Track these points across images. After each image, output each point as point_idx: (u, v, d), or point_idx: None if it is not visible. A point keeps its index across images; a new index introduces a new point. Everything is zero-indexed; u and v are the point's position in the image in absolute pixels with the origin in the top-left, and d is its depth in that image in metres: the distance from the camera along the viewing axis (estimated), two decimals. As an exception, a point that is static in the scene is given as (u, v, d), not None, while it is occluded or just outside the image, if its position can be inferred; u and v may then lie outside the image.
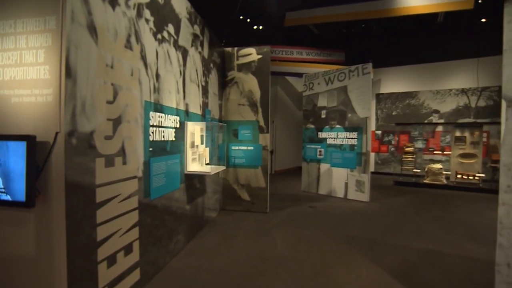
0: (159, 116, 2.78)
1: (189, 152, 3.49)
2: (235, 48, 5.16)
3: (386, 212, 5.31)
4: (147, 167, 2.58)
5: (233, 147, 5.21)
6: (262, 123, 5.10)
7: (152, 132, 2.66)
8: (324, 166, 6.88)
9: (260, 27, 9.30)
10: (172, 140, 3.08)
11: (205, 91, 4.17)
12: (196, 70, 3.81)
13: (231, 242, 3.69)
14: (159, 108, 2.79)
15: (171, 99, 3.05)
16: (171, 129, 3.05)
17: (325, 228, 4.33)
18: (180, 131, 3.28)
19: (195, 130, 3.57)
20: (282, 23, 8.39)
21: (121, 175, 2.20)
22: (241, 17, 8.61)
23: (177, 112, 3.20)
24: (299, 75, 9.78)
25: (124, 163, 2.23)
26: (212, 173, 3.40)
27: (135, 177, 2.38)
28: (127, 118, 2.26)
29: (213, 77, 4.58)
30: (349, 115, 6.43)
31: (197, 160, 3.78)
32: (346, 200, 6.28)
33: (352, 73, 6.38)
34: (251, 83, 5.13)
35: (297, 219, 4.81)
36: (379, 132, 10.83)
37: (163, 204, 2.91)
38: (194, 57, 3.72)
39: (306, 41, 10.57)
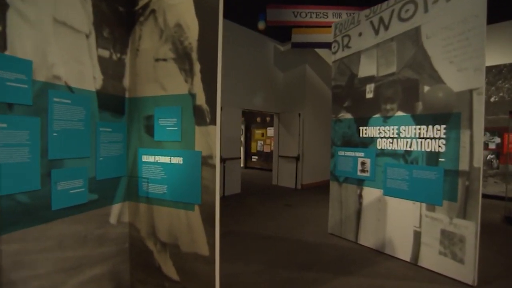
0: None
1: None
2: None
3: None
4: None
5: (145, 157, 2.33)
6: (202, 100, 2.11)
7: None
8: (370, 192, 3.57)
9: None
10: None
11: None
12: None
13: None
14: None
15: None
16: None
17: None
18: None
19: None
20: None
21: None
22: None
23: None
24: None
25: None
26: None
27: None
28: None
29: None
30: (426, 88, 3.05)
31: None
32: (415, 271, 2.91)
33: (433, -2, 2.99)
34: (180, 7, 2.18)
35: None
36: (469, 129, 6.86)
37: None
38: None
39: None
